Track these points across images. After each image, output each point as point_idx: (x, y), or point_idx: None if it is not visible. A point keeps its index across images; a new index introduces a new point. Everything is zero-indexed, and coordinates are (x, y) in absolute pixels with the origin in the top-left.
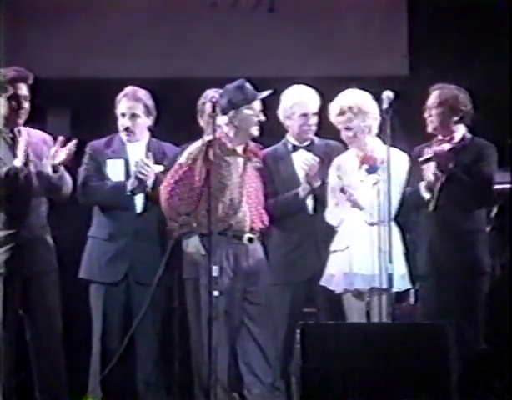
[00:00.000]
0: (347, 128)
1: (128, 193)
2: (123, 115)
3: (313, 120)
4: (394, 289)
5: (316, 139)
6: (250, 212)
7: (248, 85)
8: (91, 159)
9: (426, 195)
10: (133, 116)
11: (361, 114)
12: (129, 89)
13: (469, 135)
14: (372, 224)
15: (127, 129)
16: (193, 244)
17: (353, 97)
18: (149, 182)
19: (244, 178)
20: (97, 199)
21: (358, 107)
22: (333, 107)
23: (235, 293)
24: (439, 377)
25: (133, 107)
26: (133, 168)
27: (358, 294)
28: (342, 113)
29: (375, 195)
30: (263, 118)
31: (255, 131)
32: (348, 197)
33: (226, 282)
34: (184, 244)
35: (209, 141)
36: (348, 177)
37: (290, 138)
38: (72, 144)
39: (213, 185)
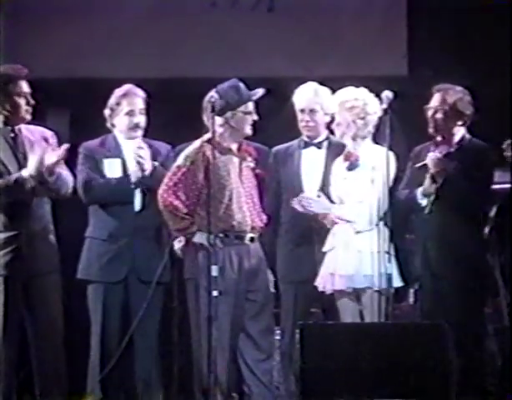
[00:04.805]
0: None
1: (132, 186)
2: (132, 112)
3: (308, 117)
4: (383, 287)
5: (333, 137)
6: (250, 211)
7: (242, 85)
8: (86, 159)
9: (423, 202)
10: (141, 113)
11: (362, 111)
12: (129, 87)
13: (468, 136)
14: (358, 232)
15: (137, 126)
16: (200, 236)
17: (363, 94)
18: (147, 172)
19: (242, 178)
20: (102, 196)
21: (363, 102)
22: (344, 92)
23: (239, 294)
24: (438, 377)
25: (140, 104)
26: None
27: (347, 295)
28: (347, 99)
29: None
30: (256, 118)
31: (249, 130)
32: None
33: (229, 283)
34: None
35: (205, 141)
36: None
37: (303, 135)
38: (63, 148)
39: (213, 186)
